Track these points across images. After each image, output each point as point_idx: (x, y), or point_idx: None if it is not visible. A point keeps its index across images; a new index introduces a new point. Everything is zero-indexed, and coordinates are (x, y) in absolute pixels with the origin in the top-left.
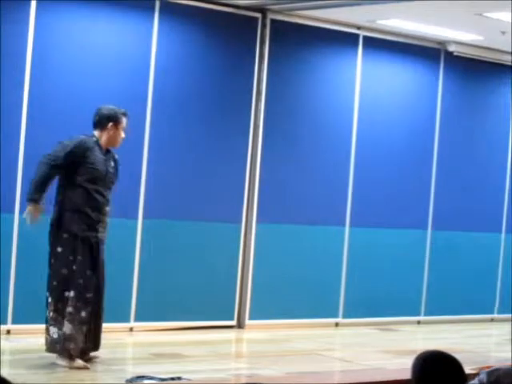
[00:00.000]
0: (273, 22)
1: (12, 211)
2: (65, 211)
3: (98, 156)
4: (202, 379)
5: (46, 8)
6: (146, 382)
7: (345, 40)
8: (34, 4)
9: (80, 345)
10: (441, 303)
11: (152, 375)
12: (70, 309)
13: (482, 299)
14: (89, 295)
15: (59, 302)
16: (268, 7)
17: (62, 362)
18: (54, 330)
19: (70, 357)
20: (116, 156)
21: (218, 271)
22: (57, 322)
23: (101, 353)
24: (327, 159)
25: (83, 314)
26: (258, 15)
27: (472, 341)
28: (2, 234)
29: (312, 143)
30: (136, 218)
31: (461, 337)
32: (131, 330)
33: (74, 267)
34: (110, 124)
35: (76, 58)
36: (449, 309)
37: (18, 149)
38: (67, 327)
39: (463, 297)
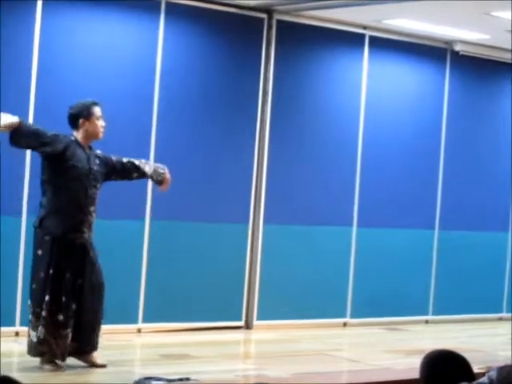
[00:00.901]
0: (279, 22)
1: (19, 214)
2: (47, 213)
3: (79, 154)
4: (210, 380)
5: (51, 9)
6: (154, 383)
7: (351, 40)
8: (39, 4)
9: (60, 349)
10: (449, 302)
11: (160, 376)
12: (44, 313)
13: (490, 298)
14: (65, 299)
15: (38, 306)
16: (274, 8)
17: (45, 365)
18: (33, 334)
19: (50, 360)
20: (98, 151)
21: (226, 272)
22: (35, 325)
23: (108, 354)
24: (334, 159)
25: (60, 317)
26: (264, 16)
27: (480, 340)
28: (10, 237)
29: (318, 143)
30: (143, 219)
31: (469, 336)
32: (139, 331)
33: (51, 271)
34: (81, 120)
35: (81, 58)
36: (457, 308)
37: (24, 152)
38: (41, 331)
39: (471, 296)
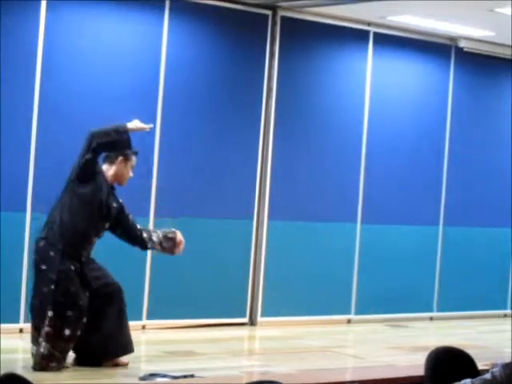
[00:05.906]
0: (283, 19)
1: (23, 210)
2: (55, 226)
3: (103, 185)
4: (215, 377)
5: (56, 7)
6: (158, 379)
7: (355, 36)
8: (44, 3)
9: (65, 358)
10: (453, 299)
11: (165, 373)
12: (47, 328)
13: (494, 295)
14: (71, 313)
15: (40, 322)
16: (278, 4)
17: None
18: (34, 348)
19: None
20: (120, 199)
21: (230, 268)
22: (36, 339)
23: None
24: (338, 155)
25: (67, 332)
26: (269, 12)
27: (484, 337)
28: (13, 233)
29: (323, 139)
30: (148, 215)
31: (473, 333)
32: (144, 327)
33: (52, 286)
34: (120, 158)
35: (87, 56)
36: (461, 305)
37: (28, 148)
38: (45, 347)
39: (475, 293)
